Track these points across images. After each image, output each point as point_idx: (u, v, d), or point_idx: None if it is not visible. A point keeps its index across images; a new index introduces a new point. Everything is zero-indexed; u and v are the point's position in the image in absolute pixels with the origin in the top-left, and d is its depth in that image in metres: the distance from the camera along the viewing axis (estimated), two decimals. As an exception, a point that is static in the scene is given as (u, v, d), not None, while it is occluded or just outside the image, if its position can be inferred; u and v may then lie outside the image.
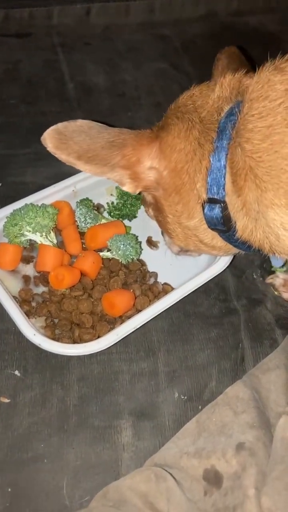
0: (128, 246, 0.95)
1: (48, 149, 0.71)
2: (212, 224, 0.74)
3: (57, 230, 1.01)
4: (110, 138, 0.71)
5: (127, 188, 0.77)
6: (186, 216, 0.77)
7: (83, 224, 1.00)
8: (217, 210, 0.71)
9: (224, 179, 0.68)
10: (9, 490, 0.75)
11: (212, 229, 0.76)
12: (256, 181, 0.64)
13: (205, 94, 0.74)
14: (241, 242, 0.74)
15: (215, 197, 0.70)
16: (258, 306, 0.99)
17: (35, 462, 0.77)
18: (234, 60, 0.88)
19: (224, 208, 0.70)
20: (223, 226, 0.72)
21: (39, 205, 0.96)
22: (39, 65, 1.44)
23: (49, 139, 0.71)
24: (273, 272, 1.05)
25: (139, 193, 1.03)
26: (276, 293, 1.02)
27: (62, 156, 0.71)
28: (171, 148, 0.73)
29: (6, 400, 0.83)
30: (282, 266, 1.04)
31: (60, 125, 0.72)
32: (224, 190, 0.69)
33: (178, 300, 0.90)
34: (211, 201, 0.71)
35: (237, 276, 1.03)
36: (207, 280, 0.93)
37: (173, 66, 1.47)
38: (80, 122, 0.72)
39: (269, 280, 1.04)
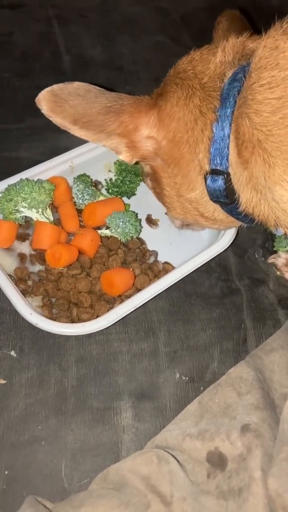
0: (127, 223, 0.92)
1: (42, 111, 0.69)
2: (214, 197, 0.71)
3: (54, 207, 0.97)
4: (107, 103, 0.68)
5: (123, 157, 0.74)
6: (186, 188, 0.74)
7: (81, 201, 0.96)
8: (220, 182, 0.68)
9: (228, 149, 0.65)
10: (6, 472, 0.73)
11: (214, 201, 0.73)
12: (264, 156, 0.60)
13: (206, 58, 0.70)
14: (244, 215, 0.72)
15: (218, 168, 0.67)
16: (261, 286, 0.97)
17: (32, 444, 0.75)
18: (236, 23, 0.84)
19: (228, 180, 0.67)
20: (226, 198, 0.70)
21: (35, 180, 0.93)
22: (33, 37, 1.39)
23: (44, 101, 0.68)
24: (275, 252, 1.03)
25: (137, 167, 1.00)
26: (278, 273, 1.00)
27: (57, 119, 0.68)
28: (170, 116, 0.70)
29: (2, 381, 0.80)
30: (285, 246, 1.01)
31: (56, 87, 0.68)
32: (227, 161, 0.66)
33: (178, 279, 0.87)
34: (214, 172, 0.68)
35: (239, 256, 1.01)
36: (209, 259, 0.91)
37: (172, 39, 1.42)
38: (77, 84, 0.69)
39: (271, 259, 1.02)
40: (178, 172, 0.73)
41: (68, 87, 0.68)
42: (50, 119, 0.68)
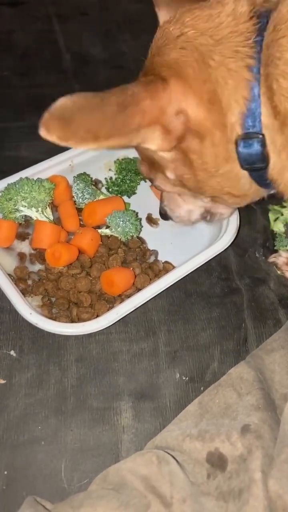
0: (127, 222, 0.92)
1: (55, 142, 0.57)
2: (248, 163, 0.66)
3: (54, 206, 0.97)
4: (118, 100, 0.59)
5: (160, 146, 0.64)
6: (220, 161, 0.68)
7: (81, 200, 0.96)
8: (256, 146, 0.63)
9: (260, 110, 0.61)
10: (5, 473, 0.73)
11: (246, 168, 0.67)
12: None
13: (205, 14, 0.63)
14: (269, 182, 0.68)
15: (251, 130, 0.62)
16: (261, 285, 0.97)
17: (32, 444, 0.75)
18: None
19: (264, 144, 0.63)
20: (263, 162, 0.65)
21: (35, 179, 0.92)
22: (33, 35, 1.39)
23: (51, 129, 0.56)
24: (276, 251, 1.02)
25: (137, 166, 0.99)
26: (279, 272, 0.99)
27: (75, 143, 0.57)
28: (194, 82, 0.62)
29: (2, 381, 0.80)
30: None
31: (53, 111, 0.57)
32: (260, 123, 0.62)
33: (179, 279, 0.87)
34: (248, 135, 0.63)
35: (240, 255, 1.00)
36: (209, 259, 0.90)
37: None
38: (72, 98, 0.58)
39: (271, 259, 1.01)
40: (213, 143, 0.66)
41: (67, 104, 0.58)
42: (68, 146, 0.60)
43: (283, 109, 0.59)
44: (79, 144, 0.57)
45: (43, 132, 0.56)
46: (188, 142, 0.66)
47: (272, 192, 0.73)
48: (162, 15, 0.74)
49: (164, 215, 0.91)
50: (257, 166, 0.66)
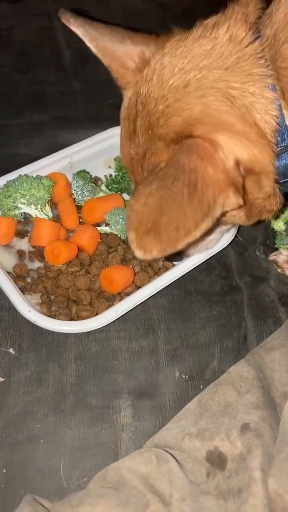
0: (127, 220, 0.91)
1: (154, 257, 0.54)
2: (286, 175, 0.65)
3: (53, 203, 0.97)
4: (184, 182, 0.54)
5: (238, 202, 0.60)
6: (266, 179, 0.64)
7: (80, 197, 0.96)
8: None
9: (286, 122, 0.61)
10: (4, 471, 0.72)
11: (282, 182, 0.66)
12: None
13: (202, 50, 0.60)
14: None
15: (283, 144, 0.62)
16: (261, 283, 0.96)
17: (31, 442, 0.75)
18: None
19: None
20: None
21: (34, 176, 0.92)
22: (33, 32, 1.38)
23: (147, 249, 0.52)
24: (276, 249, 1.02)
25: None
26: (279, 270, 0.99)
27: (174, 249, 0.54)
28: (234, 125, 0.58)
29: (0, 379, 0.80)
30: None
31: (136, 226, 0.52)
32: None
33: (179, 277, 0.87)
34: (281, 151, 0.63)
35: (240, 253, 1.00)
36: (209, 257, 0.90)
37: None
38: (140, 201, 0.53)
39: (272, 257, 1.01)
40: (265, 169, 0.63)
41: (143, 212, 0.53)
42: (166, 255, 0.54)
43: None
44: (178, 247, 0.53)
45: (141, 255, 0.53)
46: (249, 183, 0.63)
47: None
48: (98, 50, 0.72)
49: (174, 256, 0.85)
50: None
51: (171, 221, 0.52)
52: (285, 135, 0.61)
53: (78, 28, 0.71)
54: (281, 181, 0.66)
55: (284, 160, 0.63)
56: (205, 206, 0.54)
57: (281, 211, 1.03)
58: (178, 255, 0.86)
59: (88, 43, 0.71)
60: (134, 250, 0.52)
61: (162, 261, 0.93)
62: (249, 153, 0.59)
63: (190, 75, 0.60)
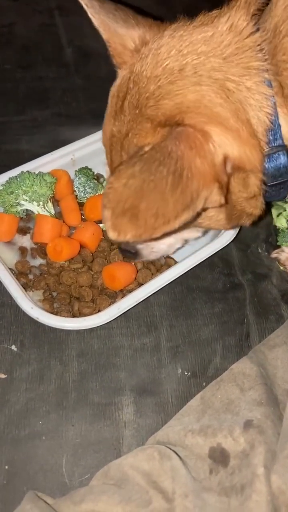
0: (129, 217, 0.91)
1: (127, 240, 0.52)
2: (275, 177, 0.63)
3: (55, 200, 0.96)
4: (170, 168, 0.51)
5: (220, 201, 0.58)
6: (254, 178, 0.63)
7: (82, 194, 0.95)
8: (282, 158, 0.60)
9: (279, 121, 0.59)
10: (6, 467, 0.72)
11: (270, 185, 0.64)
12: None
13: (202, 36, 0.59)
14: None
15: (274, 144, 0.60)
16: (264, 281, 0.96)
17: (33, 439, 0.75)
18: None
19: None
20: None
21: (36, 173, 0.92)
22: (34, 29, 1.37)
23: (122, 230, 0.50)
24: (279, 246, 1.01)
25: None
26: (281, 268, 0.99)
27: (149, 235, 0.51)
28: (228, 120, 0.57)
29: (3, 376, 0.79)
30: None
31: (112, 205, 0.50)
32: (281, 135, 0.60)
33: (181, 274, 0.86)
34: (271, 151, 0.61)
35: (242, 250, 1.00)
36: (211, 254, 0.89)
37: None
38: (121, 181, 0.51)
39: (274, 254, 1.00)
40: (254, 169, 0.61)
41: (122, 193, 0.51)
42: (140, 241, 0.55)
43: None
44: (154, 235, 0.51)
45: (115, 236, 0.50)
46: (234, 182, 0.61)
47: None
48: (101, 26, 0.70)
49: (133, 254, 0.81)
50: (281, 181, 0.64)
51: (151, 207, 0.50)
52: (278, 135, 0.60)
53: None
54: (270, 183, 0.64)
55: (275, 161, 0.61)
56: (188, 197, 0.52)
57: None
58: (133, 254, 0.81)
59: (90, 15, 0.69)
60: (108, 230, 0.50)
61: (165, 258, 0.93)
62: (239, 150, 0.57)
63: (187, 58, 0.58)
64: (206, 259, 0.89)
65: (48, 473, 0.73)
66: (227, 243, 0.91)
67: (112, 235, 0.50)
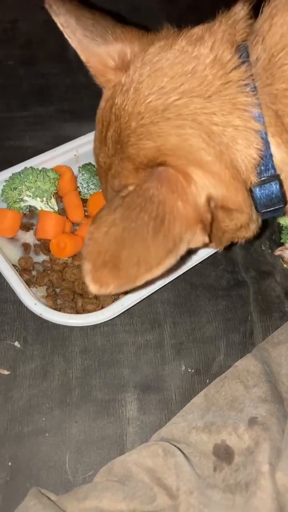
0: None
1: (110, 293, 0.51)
2: (267, 206, 0.62)
3: (58, 197, 0.96)
4: (151, 215, 0.51)
5: (204, 240, 0.56)
6: (245, 216, 0.63)
7: (86, 190, 0.95)
8: (274, 187, 0.59)
9: (270, 151, 0.58)
10: (9, 464, 0.72)
11: (263, 212, 0.64)
12: None
13: (184, 71, 0.56)
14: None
15: (265, 175, 0.58)
16: (267, 278, 0.96)
17: (36, 435, 0.75)
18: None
19: (281, 183, 0.60)
20: (282, 202, 0.61)
21: (39, 169, 0.91)
22: (38, 25, 1.36)
23: (104, 283, 0.49)
24: (282, 244, 1.01)
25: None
26: (285, 265, 0.98)
27: (133, 285, 0.50)
28: (210, 162, 0.56)
29: (6, 372, 0.79)
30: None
31: (93, 257, 0.50)
32: (273, 165, 0.58)
33: (184, 271, 0.86)
34: (262, 182, 0.59)
35: (245, 248, 0.99)
36: (215, 251, 0.89)
37: (179, 27, 1.40)
38: (100, 230, 0.51)
39: (278, 252, 1.00)
40: (238, 207, 0.61)
41: (102, 243, 0.50)
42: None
43: None
44: (136, 284, 0.50)
45: (96, 289, 0.49)
46: (219, 216, 0.61)
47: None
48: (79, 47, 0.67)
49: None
50: (275, 208, 0.63)
51: (132, 256, 0.49)
52: (270, 165, 0.58)
53: (58, 17, 0.66)
54: (262, 211, 0.63)
55: (267, 190, 0.60)
56: (170, 242, 0.50)
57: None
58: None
59: (67, 36, 0.66)
60: (88, 284, 0.48)
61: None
62: (222, 192, 0.57)
63: (170, 98, 0.56)
64: (210, 256, 0.89)
65: (52, 470, 0.72)
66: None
67: (93, 288, 0.48)
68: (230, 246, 0.77)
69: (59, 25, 0.67)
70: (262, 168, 0.58)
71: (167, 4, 1.49)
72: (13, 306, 0.85)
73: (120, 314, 0.81)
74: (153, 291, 0.83)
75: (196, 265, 0.87)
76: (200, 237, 0.55)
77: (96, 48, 0.65)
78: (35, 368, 0.80)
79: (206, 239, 0.56)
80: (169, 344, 0.85)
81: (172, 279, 0.85)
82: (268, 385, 0.74)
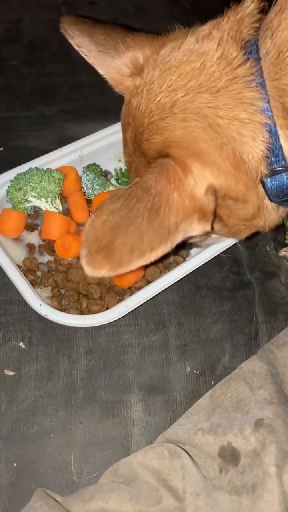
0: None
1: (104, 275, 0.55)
2: (280, 197, 0.63)
3: (63, 197, 0.96)
4: (147, 205, 0.54)
5: (204, 228, 0.59)
6: (250, 206, 0.64)
7: (90, 191, 0.95)
8: (285, 178, 0.61)
9: (280, 142, 0.59)
10: (14, 465, 0.72)
11: (277, 202, 0.65)
12: None
13: (191, 67, 0.58)
14: None
15: (275, 166, 0.60)
16: (272, 279, 0.95)
17: (41, 436, 0.75)
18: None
19: None
20: None
21: (44, 169, 0.91)
22: (41, 24, 1.36)
23: (97, 267, 0.53)
24: (287, 245, 1.01)
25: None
26: (289, 266, 0.98)
27: (125, 269, 0.54)
28: (211, 154, 0.57)
29: (11, 373, 0.79)
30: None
31: (89, 244, 0.54)
32: (284, 156, 0.59)
33: (189, 272, 0.86)
34: (273, 173, 0.60)
35: (250, 249, 0.99)
36: (219, 252, 0.89)
37: (183, 27, 1.40)
38: (99, 219, 0.54)
39: (282, 252, 1.00)
40: (244, 200, 0.63)
41: (99, 231, 0.54)
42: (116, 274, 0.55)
43: None
44: (129, 268, 0.53)
45: (89, 271, 0.53)
46: (222, 207, 0.63)
47: None
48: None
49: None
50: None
51: (126, 242, 0.52)
52: (280, 157, 0.59)
53: (73, 39, 0.72)
54: (275, 201, 0.65)
55: (278, 181, 0.62)
56: (165, 231, 0.54)
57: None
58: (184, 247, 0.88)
59: (83, 54, 0.71)
60: (83, 265, 0.53)
61: (173, 255, 0.92)
62: (222, 182, 0.59)
63: (177, 95, 0.58)
64: (215, 257, 0.89)
65: (57, 471, 0.72)
66: (236, 241, 0.90)
67: (87, 270, 0.53)
68: (252, 236, 0.78)
69: (74, 46, 0.72)
70: (272, 159, 0.59)
71: (171, 4, 1.49)
72: (18, 307, 0.85)
73: (125, 315, 0.81)
74: (158, 292, 0.83)
75: (200, 266, 0.87)
76: (198, 226, 0.58)
77: (111, 60, 0.69)
78: (40, 369, 0.80)
79: (207, 228, 0.59)
80: (174, 345, 0.85)
81: (177, 280, 0.84)
82: (274, 386, 0.74)
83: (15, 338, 0.82)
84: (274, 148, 0.59)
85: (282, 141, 0.59)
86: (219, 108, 0.57)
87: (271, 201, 0.65)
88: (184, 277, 0.85)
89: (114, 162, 1.04)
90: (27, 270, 0.87)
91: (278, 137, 0.59)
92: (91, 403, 0.78)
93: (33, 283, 0.84)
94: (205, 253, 0.87)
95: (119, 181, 1.02)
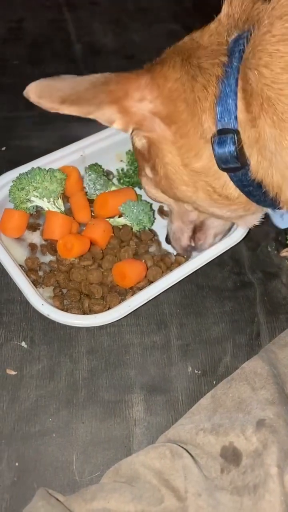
0: (141, 211, 0.91)
1: (31, 100, 0.67)
2: (223, 162, 0.64)
3: (65, 197, 0.96)
4: (93, 80, 0.65)
5: (118, 125, 0.69)
6: (192, 155, 0.67)
7: (92, 191, 0.95)
8: (229, 142, 0.62)
9: (236, 106, 0.61)
10: (16, 464, 0.72)
11: (223, 169, 0.66)
12: (274, 117, 0.57)
13: (205, 29, 0.67)
14: (256, 187, 0.66)
15: (226, 127, 0.62)
16: (274, 280, 0.96)
17: (43, 436, 0.75)
18: None
19: (238, 141, 0.62)
20: (237, 161, 0.63)
21: (46, 169, 0.91)
22: (44, 24, 1.37)
23: (31, 90, 0.67)
24: (288, 245, 1.01)
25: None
26: (291, 267, 0.98)
27: (46, 103, 0.66)
28: (165, 77, 0.65)
29: (13, 373, 0.79)
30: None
31: (42, 79, 0.67)
32: (236, 120, 0.61)
33: (191, 272, 0.86)
34: (222, 132, 0.62)
35: (252, 249, 0.99)
36: (221, 253, 0.89)
37: (185, 27, 1.40)
38: (64, 75, 0.67)
39: (283, 253, 1.00)
40: (181, 135, 0.67)
41: (55, 78, 0.67)
42: (40, 105, 0.66)
43: (256, 102, 0.58)
44: (48, 105, 0.65)
45: (26, 92, 0.67)
46: (155, 129, 0.69)
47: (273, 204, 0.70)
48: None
49: (167, 239, 0.94)
50: (232, 167, 0.65)
51: (61, 89, 0.64)
52: (231, 119, 0.62)
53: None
54: (222, 166, 0.66)
55: (222, 145, 0.63)
56: (89, 101, 0.64)
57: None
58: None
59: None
60: (27, 87, 0.67)
61: (175, 255, 0.92)
62: (162, 106, 0.66)
63: (186, 40, 0.69)
64: (216, 257, 0.89)
65: (58, 470, 0.73)
66: (237, 241, 0.90)
67: (25, 92, 0.67)
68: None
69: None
70: (225, 119, 0.62)
71: (173, 4, 1.49)
72: (20, 307, 0.85)
73: (126, 315, 0.81)
74: (159, 292, 0.83)
75: (202, 266, 0.87)
76: (115, 117, 0.67)
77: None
78: (42, 369, 0.80)
79: (122, 125, 0.68)
80: (175, 345, 0.85)
81: (179, 280, 0.85)
82: (276, 387, 0.74)
83: (17, 337, 0.82)
84: (229, 108, 0.61)
85: (239, 103, 0.61)
86: (196, 53, 0.64)
87: (219, 167, 0.66)
88: (185, 277, 0.86)
89: (116, 162, 1.04)
90: (29, 269, 0.87)
91: (236, 99, 0.61)
92: (93, 402, 0.78)
93: (35, 283, 0.85)
94: (206, 254, 0.88)
95: (121, 181, 1.02)
